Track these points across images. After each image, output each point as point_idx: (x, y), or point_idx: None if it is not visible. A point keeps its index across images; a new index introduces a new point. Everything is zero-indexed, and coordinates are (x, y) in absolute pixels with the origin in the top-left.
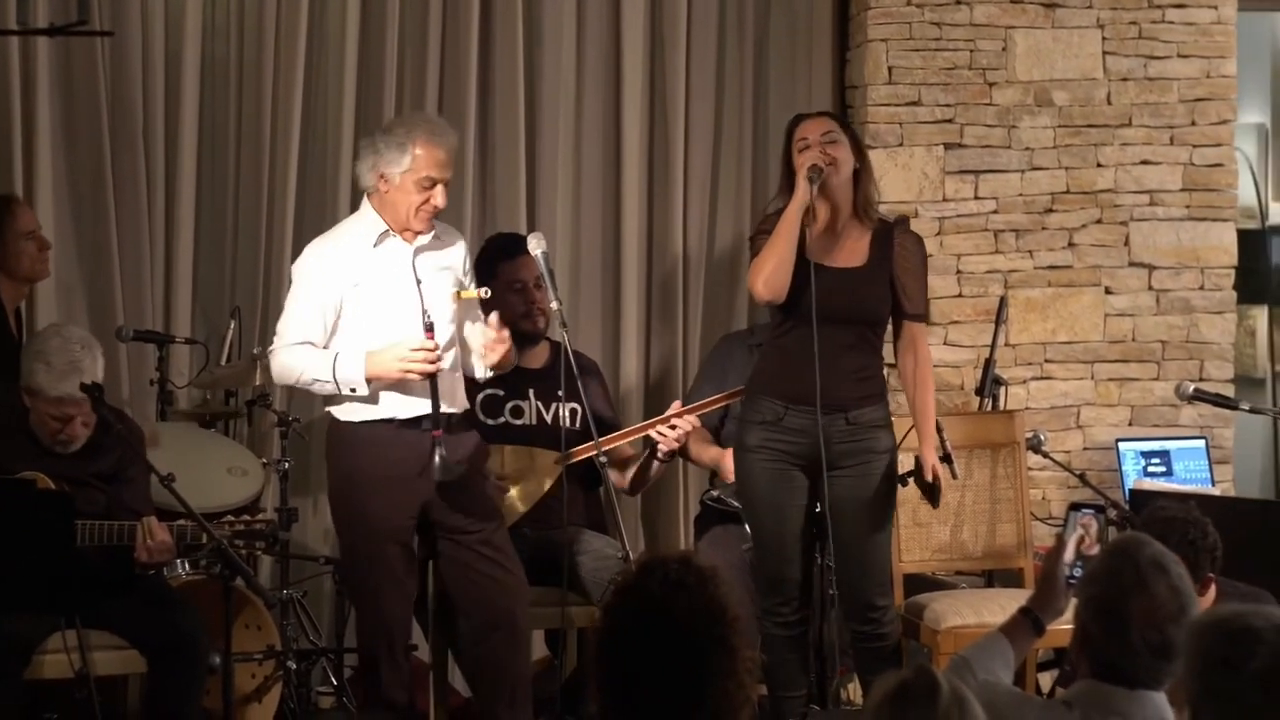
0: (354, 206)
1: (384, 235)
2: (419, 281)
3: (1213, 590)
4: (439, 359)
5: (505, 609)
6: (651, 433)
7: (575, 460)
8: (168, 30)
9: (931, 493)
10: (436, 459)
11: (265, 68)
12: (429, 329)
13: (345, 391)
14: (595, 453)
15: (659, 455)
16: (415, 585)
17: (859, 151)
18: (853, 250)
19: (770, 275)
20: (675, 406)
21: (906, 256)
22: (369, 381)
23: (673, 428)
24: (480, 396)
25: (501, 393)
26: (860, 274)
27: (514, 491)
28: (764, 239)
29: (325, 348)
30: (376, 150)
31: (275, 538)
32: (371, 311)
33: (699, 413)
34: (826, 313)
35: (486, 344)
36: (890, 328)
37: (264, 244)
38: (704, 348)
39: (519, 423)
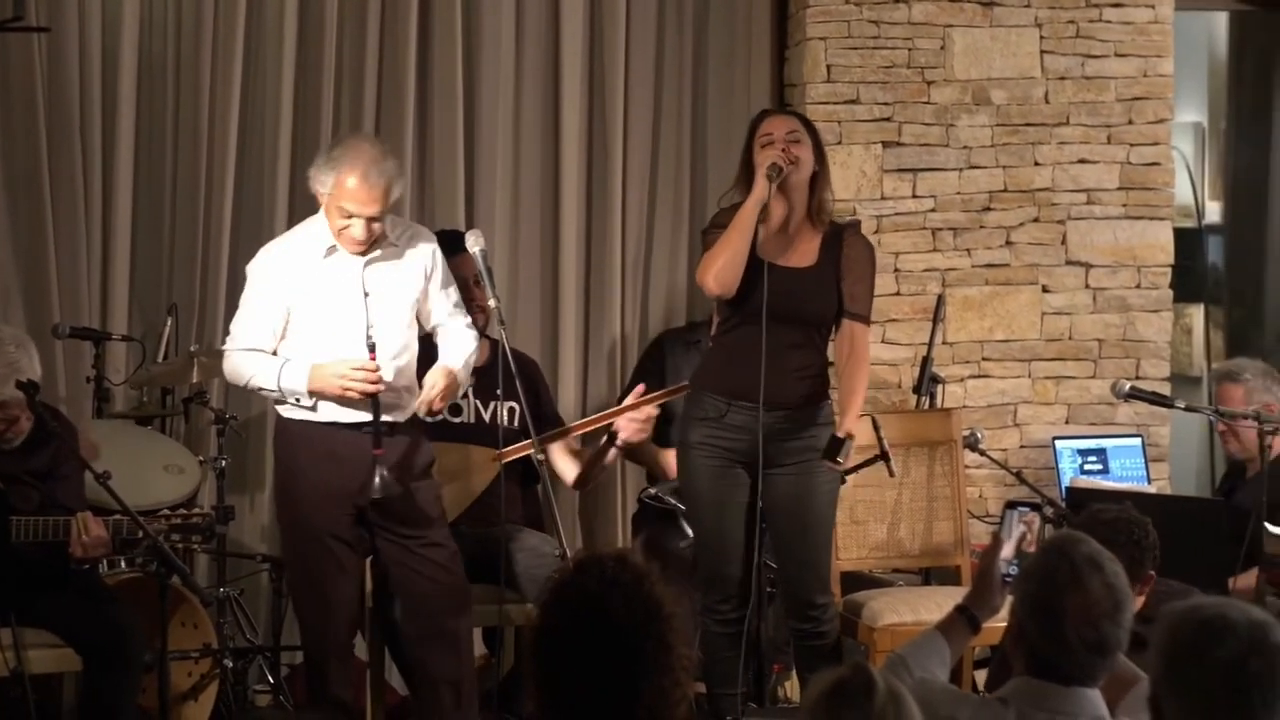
0: (292, 204)
1: (333, 247)
2: (366, 295)
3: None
4: (379, 380)
5: (446, 615)
6: (618, 420)
7: (511, 458)
8: (105, 27)
9: (837, 449)
10: (376, 479)
11: (203, 65)
12: (371, 349)
13: (290, 401)
14: (533, 450)
15: (618, 443)
16: (360, 581)
17: (820, 154)
18: (803, 251)
19: (722, 269)
20: (637, 393)
21: (855, 260)
22: (311, 394)
23: (636, 419)
24: None
25: None
26: (809, 274)
27: (445, 491)
28: (717, 234)
29: (274, 352)
30: (317, 164)
31: (212, 531)
32: (317, 322)
33: (663, 400)
34: (774, 311)
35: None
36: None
37: (201, 241)
38: (642, 344)
39: (457, 421)
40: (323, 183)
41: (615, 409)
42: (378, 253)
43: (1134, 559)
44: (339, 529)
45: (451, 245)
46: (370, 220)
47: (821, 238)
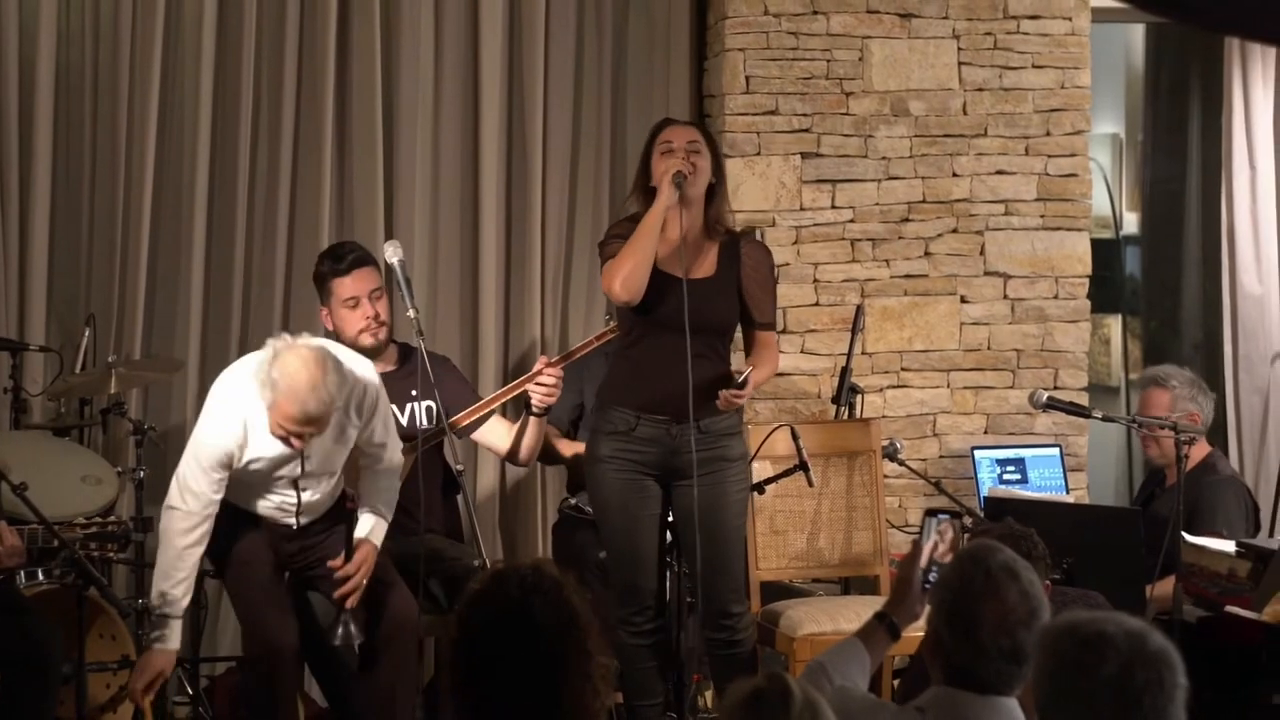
0: (210, 214)
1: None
2: (304, 455)
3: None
4: None
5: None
6: (529, 388)
7: (425, 446)
8: (22, 36)
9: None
10: (340, 628)
11: (120, 75)
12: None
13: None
14: (445, 442)
15: (534, 410)
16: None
17: (718, 168)
18: (701, 262)
19: (629, 275)
20: (541, 361)
21: (755, 267)
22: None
23: (541, 382)
24: None
25: None
26: (709, 285)
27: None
28: (617, 244)
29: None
30: (259, 380)
31: (128, 538)
32: (254, 468)
33: (566, 363)
34: (677, 322)
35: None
36: (741, 337)
37: (119, 251)
38: (561, 351)
39: None
40: (261, 383)
41: (520, 380)
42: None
43: (1040, 561)
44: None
45: (342, 264)
46: (304, 439)
47: (719, 247)
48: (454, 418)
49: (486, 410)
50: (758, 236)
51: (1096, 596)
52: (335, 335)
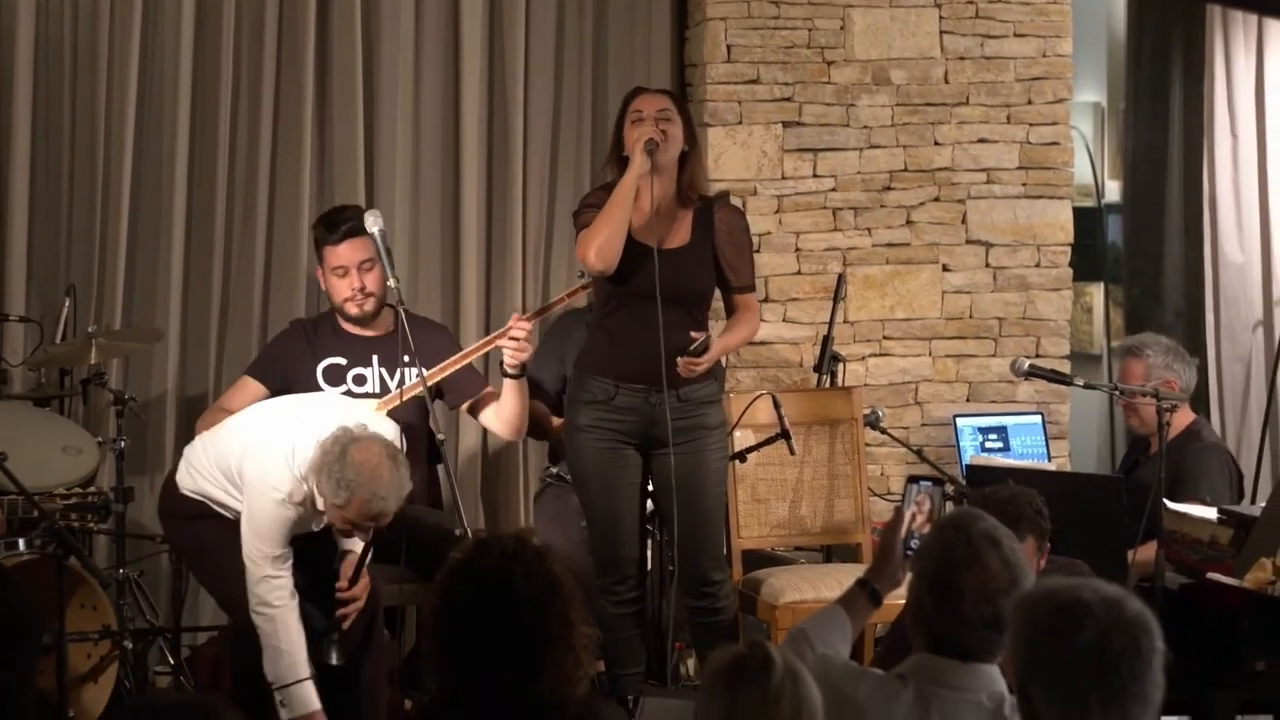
0: (190, 182)
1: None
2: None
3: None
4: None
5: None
6: (501, 343)
7: (395, 403)
8: (0, 9)
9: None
10: (334, 649)
11: (100, 45)
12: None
13: (286, 710)
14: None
15: (508, 370)
16: None
17: (691, 135)
18: (676, 230)
19: (604, 244)
20: (514, 319)
21: (729, 232)
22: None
23: (513, 338)
24: (322, 366)
25: (344, 361)
26: (684, 253)
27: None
28: (590, 213)
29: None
30: (319, 471)
31: (108, 509)
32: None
33: (538, 317)
34: (653, 291)
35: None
36: (722, 303)
37: (99, 222)
38: (544, 323)
39: (361, 391)
40: (325, 481)
41: (491, 336)
42: None
43: (1041, 529)
44: None
45: (335, 233)
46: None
47: (692, 214)
48: (428, 374)
49: (459, 366)
50: (731, 201)
51: (1081, 565)
52: (326, 294)
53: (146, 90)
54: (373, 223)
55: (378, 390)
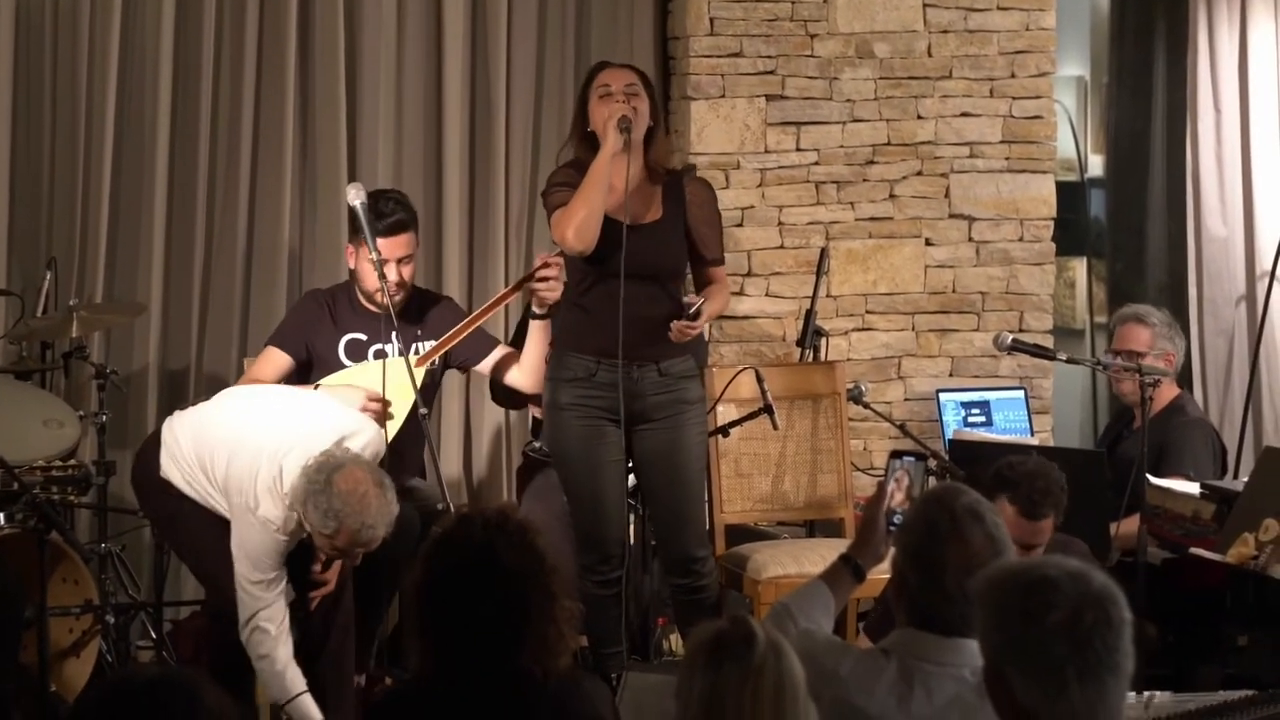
0: (172, 155)
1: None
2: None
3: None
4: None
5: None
6: (532, 285)
7: (428, 359)
8: None
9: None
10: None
11: (81, 18)
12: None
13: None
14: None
15: (536, 312)
16: None
17: (655, 110)
18: (648, 205)
19: (582, 224)
20: (541, 257)
21: (700, 205)
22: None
23: (543, 278)
24: (344, 341)
25: (365, 337)
26: (657, 229)
27: (395, 407)
28: (561, 192)
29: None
30: (302, 497)
31: (89, 482)
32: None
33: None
34: (630, 269)
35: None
36: (692, 277)
37: (81, 194)
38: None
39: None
40: (311, 511)
41: (519, 280)
42: None
43: (1060, 505)
44: None
45: (390, 225)
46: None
47: (662, 188)
48: (450, 332)
49: (478, 325)
50: (697, 173)
51: (1078, 543)
52: (352, 273)
53: (128, 63)
54: (354, 195)
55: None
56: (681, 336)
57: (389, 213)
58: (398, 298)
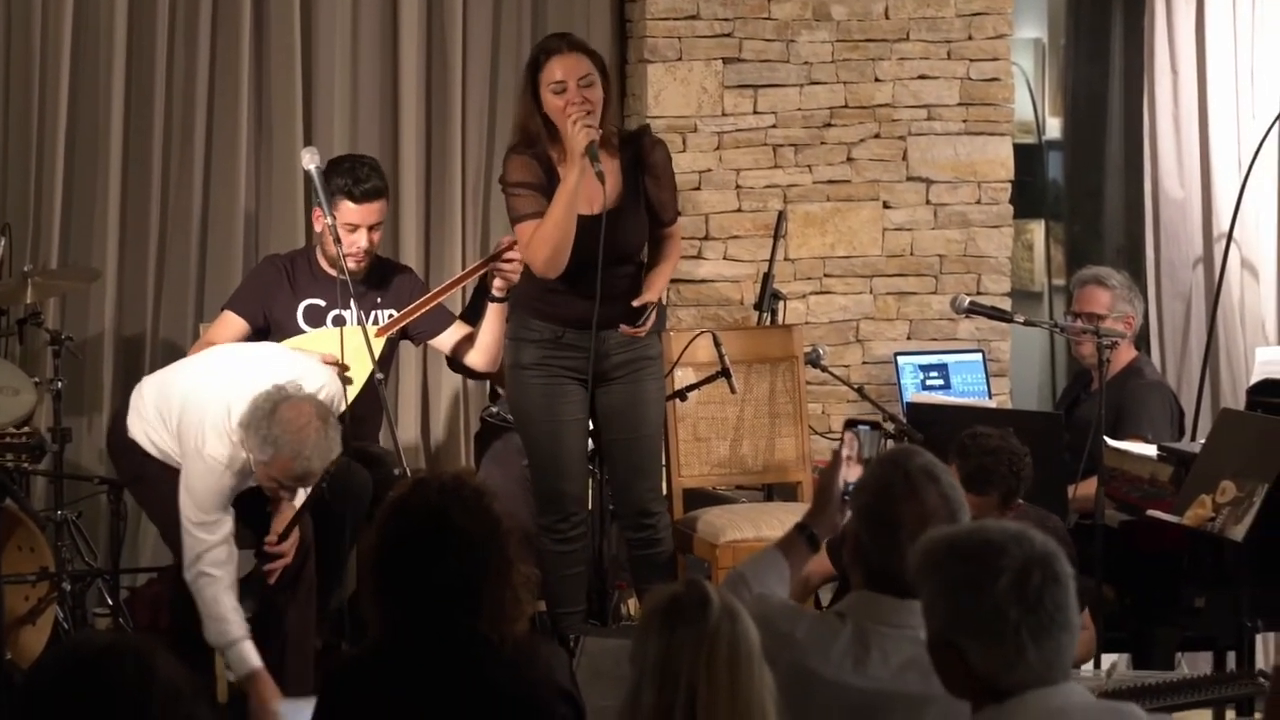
0: (126, 120)
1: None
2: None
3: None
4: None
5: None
6: (496, 266)
7: (391, 329)
8: None
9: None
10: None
11: None
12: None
13: (231, 671)
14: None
15: (496, 295)
16: None
17: (608, 86)
18: (609, 185)
19: (554, 254)
20: (506, 240)
21: (656, 169)
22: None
23: (507, 260)
24: (302, 306)
25: (323, 303)
26: (621, 213)
27: (353, 373)
28: (524, 196)
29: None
30: (245, 426)
31: (42, 449)
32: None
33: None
34: (594, 256)
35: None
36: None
37: (35, 159)
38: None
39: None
40: (252, 436)
41: (481, 261)
42: None
43: (1010, 490)
44: None
45: (359, 193)
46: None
47: (620, 161)
48: (411, 306)
49: (439, 301)
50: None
51: (1054, 519)
52: (317, 236)
53: (82, 29)
54: (309, 159)
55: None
56: (633, 335)
57: (364, 178)
58: (362, 263)
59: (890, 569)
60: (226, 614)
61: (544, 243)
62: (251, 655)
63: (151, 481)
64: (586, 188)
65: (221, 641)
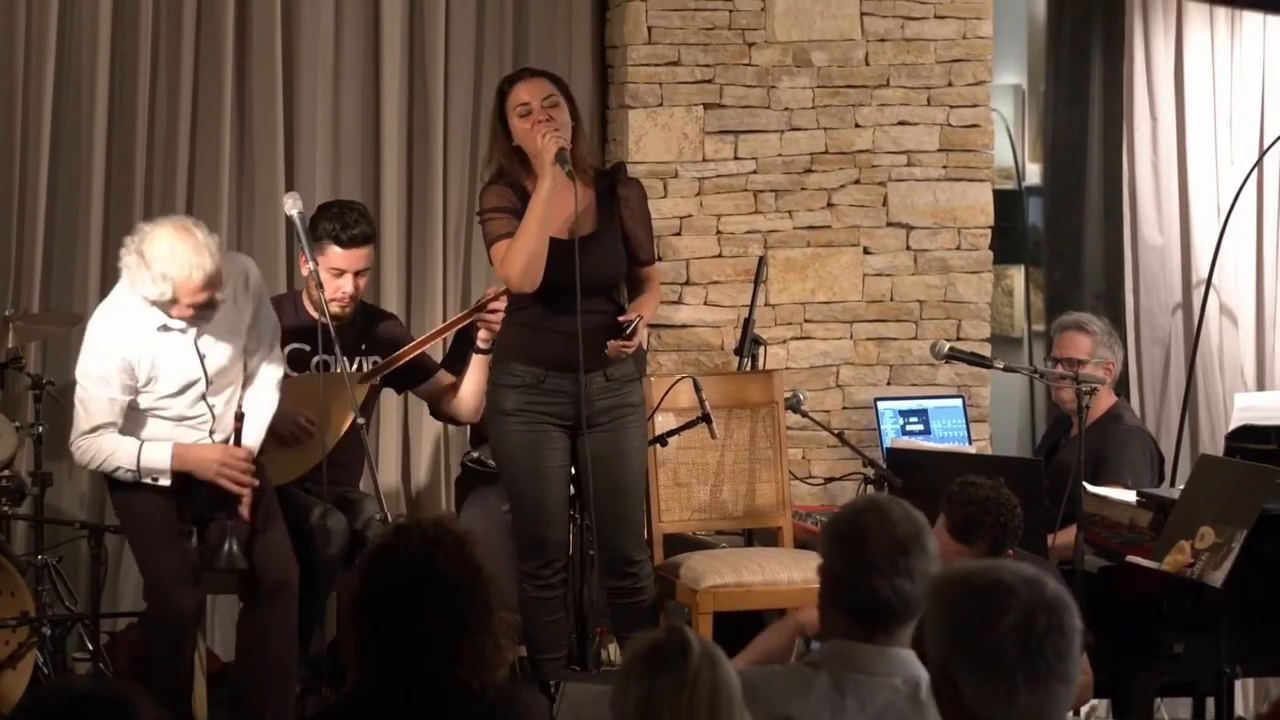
0: (108, 164)
1: (164, 325)
2: (202, 357)
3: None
4: (251, 469)
5: (279, 579)
6: (477, 319)
7: (383, 372)
8: None
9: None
10: (226, 547)
11: (17, 29)
12: (237, 435)
13: (146, 480)
14: (392, 367)
15: (480, 347)
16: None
17: (575, 110)
18: (584, 215)
19: (528, 266)
20: (491, 291)
21: (632, 206)
22: (174, 473)
23: (492, 311)
24: (287, 350)
25: (308, 348)
26: (597, 239)
27: (335, 420)
28: (499, 219)
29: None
30: (129, 259)
31: (22, 493)
32: (162, 398)
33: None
34: (570, 284)
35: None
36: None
37: (16, 203)
38: (467, 303)
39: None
40: (146, 287)
41: (466, 312)
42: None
43: (998, 541)
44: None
45: (348, 239)
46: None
47: (595, 194)
48: (395, 354)
49: (422, 349)
50: (627, 172)
51: (1050, 565)
52: (304, 280)
53: (64, 74)
54: (291, 205)
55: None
56: (618, 354)
57: (352, 224)
58: (346, 308)
59: (862, 586)
60: (120, 446)
61: (518, 253)
62: (162, 449)
63: (134, 518)
64: (561, 209)
65: (129, 463)
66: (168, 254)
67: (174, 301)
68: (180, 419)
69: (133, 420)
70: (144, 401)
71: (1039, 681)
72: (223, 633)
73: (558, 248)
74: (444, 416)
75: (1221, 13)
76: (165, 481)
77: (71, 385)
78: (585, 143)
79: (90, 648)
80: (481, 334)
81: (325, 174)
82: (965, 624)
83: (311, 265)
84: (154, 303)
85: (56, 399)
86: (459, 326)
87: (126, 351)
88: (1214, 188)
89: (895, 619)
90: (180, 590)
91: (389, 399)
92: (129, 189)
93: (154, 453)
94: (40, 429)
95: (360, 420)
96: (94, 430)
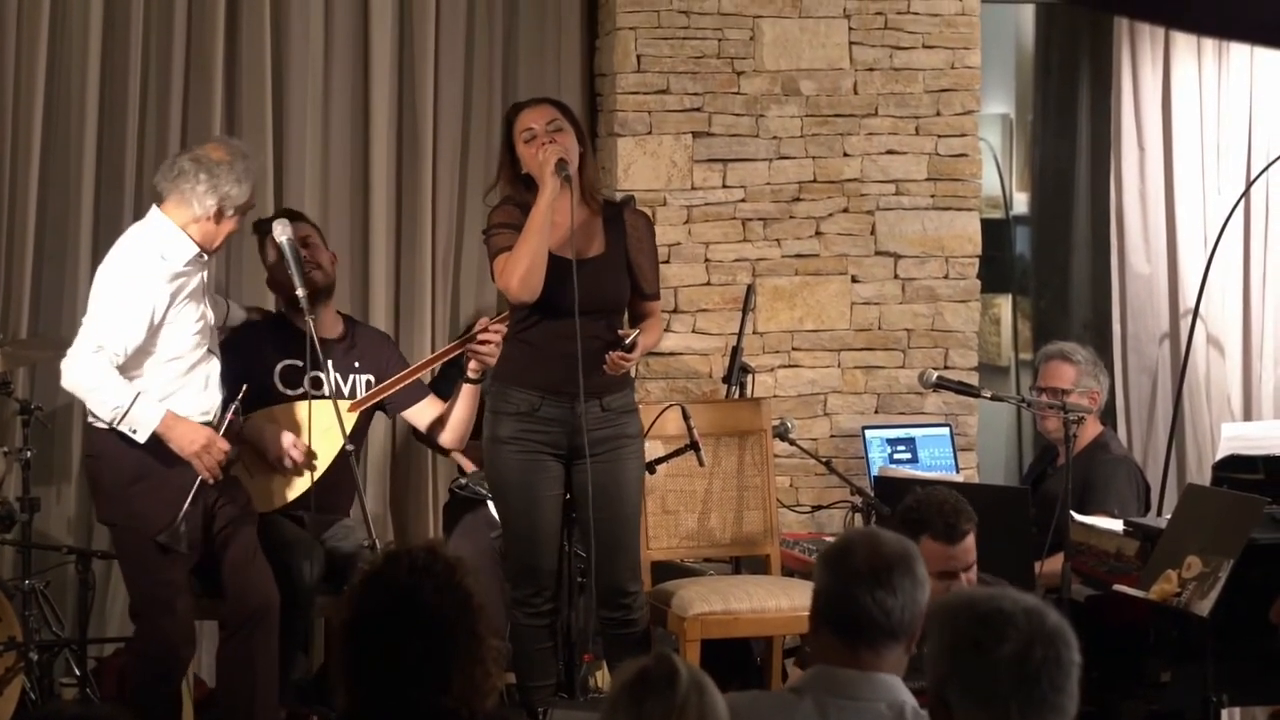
0: (97, 189)
1: (197, 258)
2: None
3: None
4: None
5: (263, 604)
6: (468, 349)
7: (366, 404)
8: None
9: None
10: (179, 527)
11: (6, 52)
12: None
13: (125, 429)
14: (381, 397)
15: (470, 376)
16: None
17: (581, 136)
18: (590, 239)
19: (527, 274)
20: (482, 322)
21: (639, 238)
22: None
23: (483, 342)
24: (280, 367)
25: (301, 364)
26: (601, 262)
27: (323, 447)
28: (503, 234)
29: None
30: (199, 189)
31: (13, 519)
32: (169, 356)
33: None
34: (571, 305)
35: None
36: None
37: (5, 229)
38: (453, 336)
39: (318, 394)
40: (200, 200)
41: (456, 342)
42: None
43: (974, 518)
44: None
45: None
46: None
47: (602, 221)
48: (385, 383)
49: (414, 378)
50: (636, 204)
51: (1004, 584)
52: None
53: (53, 95)
54: (281, 231)
55: (332, 394)
56: (616, 368)
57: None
58: (318, 277)
59: (845, 597)
60: (106, 379)
61: (517, 262)
62: (153, 407)
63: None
64: (560, 221)
65: (120, 403)
66: (228, 155)
67: (235, 213)
68: (191, 368)
69: (139, 366)
70: (161, 346)
71: (1032, 711)
72: (209, 659)
73: (563, 267)
74: (429, 441)
75: (1209, 43)
76: (140, 438)
77: (61, 409)
78: (592, 169)
79: (78, 673)
80: (471, 364)
81: (315, 196)
82: (963, 649)
83: (302, 291)
84: (195, 220)
85: (44, 424)
86: (449, 357)
87: (157, 286)
88: (1201, 217)
89: (877, 631)
90: (175, 627)
91: (376, 425)
92: (117, 216)
93: (147, 407)
94: (28, 454)
95: (350, 447)
96: (97, 349)
